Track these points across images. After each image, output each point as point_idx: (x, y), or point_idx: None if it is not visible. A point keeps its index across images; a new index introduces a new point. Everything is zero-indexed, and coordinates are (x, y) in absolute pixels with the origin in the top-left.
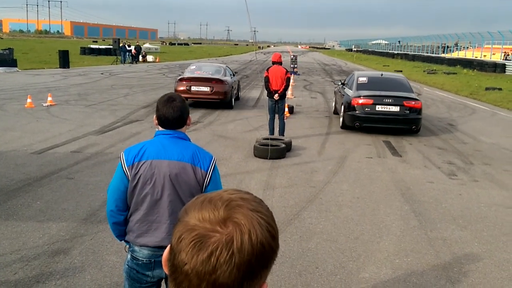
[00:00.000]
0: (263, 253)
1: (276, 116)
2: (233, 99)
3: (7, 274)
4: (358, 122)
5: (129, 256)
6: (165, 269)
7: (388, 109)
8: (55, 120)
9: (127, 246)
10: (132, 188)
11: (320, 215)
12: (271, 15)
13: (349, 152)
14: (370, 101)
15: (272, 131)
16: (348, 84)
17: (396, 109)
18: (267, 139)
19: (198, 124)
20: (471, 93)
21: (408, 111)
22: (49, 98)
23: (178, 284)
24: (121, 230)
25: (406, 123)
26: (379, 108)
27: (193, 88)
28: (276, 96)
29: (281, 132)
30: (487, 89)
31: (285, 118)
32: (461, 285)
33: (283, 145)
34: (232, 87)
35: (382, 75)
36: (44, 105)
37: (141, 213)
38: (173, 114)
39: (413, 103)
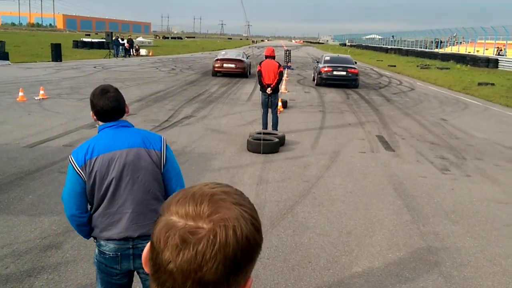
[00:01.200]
0: (248, 247)
1: (270, 110)
2: (248, 72)
3: None
4: (324, 81)
5: (96, 251)
6: (146, 268)
7: (339, 73)
8: (47, 114)
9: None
10: (90, 187)
11: (313, 210)
12: (265, 9)
13: (342, 146)
14: (330, 69)
15: (265, 126)
16: (320, 61)
17: (343, 73)
18: (261, 133)
19: (192, 118)
20: (463, 88)
21: (350, 74)
22: (41, 92)
23: (161, 283)
24: (86, 230)
25: (348, 81)
26: (335, 72)
27: (224, 65)
28: (268, 90)
29: (275, 126)
30: (479, 84)
31: (278, 112)
32: (453, 279)
33: (276, 140)
34: (247, 64)
35: (338, 55)
36: (36, 98)
37: (103, 208)
38: (111, 104)
39: (353, 70)
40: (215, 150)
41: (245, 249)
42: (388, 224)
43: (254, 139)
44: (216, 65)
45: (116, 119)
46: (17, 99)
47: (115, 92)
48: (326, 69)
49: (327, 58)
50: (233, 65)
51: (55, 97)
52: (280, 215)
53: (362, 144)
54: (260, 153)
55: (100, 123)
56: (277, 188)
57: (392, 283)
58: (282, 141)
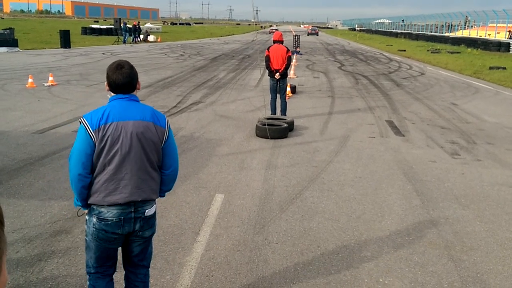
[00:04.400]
0: None
1: (278, 95)
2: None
3: (9, 252)
4: (309, 34)
5: (94, 219)
6: None
7: (312, 32)
8: (57, 100)
9: (85, 211)
10: (99, 150)
11: (322, 195)
12: None
13: (352, 131)
14: (310, 30)
15: (274, 111)
16: (308, 29)
17: (314, 32)
18: (270, 119)
19: (200, 104)
20: (474, 72)
21: (316, 32)
22: (51, 78)
23: None
24: (85, 194)
25: (315, 34)
26: (312, 32)
27: (272, 30)
28: (277, 75)
29: (283, 111)
30: (491, 68)
31: (287, 97)
32: (463, 263)
33: (285, 125)
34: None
35: (313, 27)
36: (45, 85)
37: (109, 173)
38: (123, 80)
39: (317, 31)
40: (224, 135)
41: None
42: (398, 209)
43: (263, 125)
44: (269, 31)
45: (127, 93)
46: (27, 85)
47: (129, 69)
48: (309, 31)
49: (310, 27)
50: (275, 30)
51: (64, 84)
52: (289, 200)
53: (371, 129)
54: (268, 138)
55: (112, 94)
56: (286, 173)
57: (402, 267)
58: (291, 127)
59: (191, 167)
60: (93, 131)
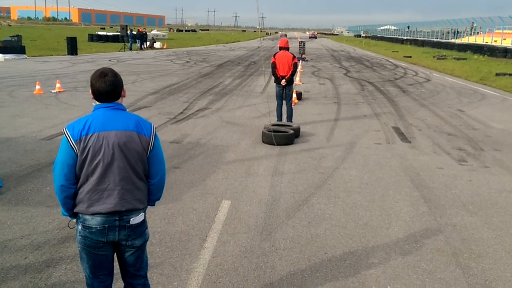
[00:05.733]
0: None
1: (284, 102)
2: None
3: (18, 258)
4: (310, 38)
5: (80, 227)
6: None
7: (312, 36)
8: (64, 107)
9: (73, 220)
10: (81, 161)
11: (329, 201)
12: (279, 0)
13: (358, 138)
14: (311, 35)
15: (280, 117)
16: (310, 35)
17: (314, 36)
18: (276, 125)
19: (206, 110)
20: (481, 78)
21: (315, 36)
22: (58, 85)
23: None
24: (71, 204)
25: (314, 37)
26: (311, 36)
27: (281, 34)
28: (283, 82)
29: (289, 118)
30: (497, 74)
31: (293, 104)
32: (471, 271)
33: (291, 131)
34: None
35: (313, 33)
36: (52, 91)
37: (92, 183)
38: (106, 88)
39: (315, 36)
40: (230, 142)
41: None
42: (405, 216)
43: (269, 131)
44: (280, 35)
45: (111, 101)
46: (34, 92)
47: (113, 77)
48: (310, 35)
49: (311, 33)
50: (284, 35)
51: (71, 90)
52: (296, 207)
53: (377, 135)
54: (274, 144)
55: (97, 102)
56: (293, 180)
57: (409, 274)
58: (297, 133)
59: (198, 173)
60: (74, 142)
